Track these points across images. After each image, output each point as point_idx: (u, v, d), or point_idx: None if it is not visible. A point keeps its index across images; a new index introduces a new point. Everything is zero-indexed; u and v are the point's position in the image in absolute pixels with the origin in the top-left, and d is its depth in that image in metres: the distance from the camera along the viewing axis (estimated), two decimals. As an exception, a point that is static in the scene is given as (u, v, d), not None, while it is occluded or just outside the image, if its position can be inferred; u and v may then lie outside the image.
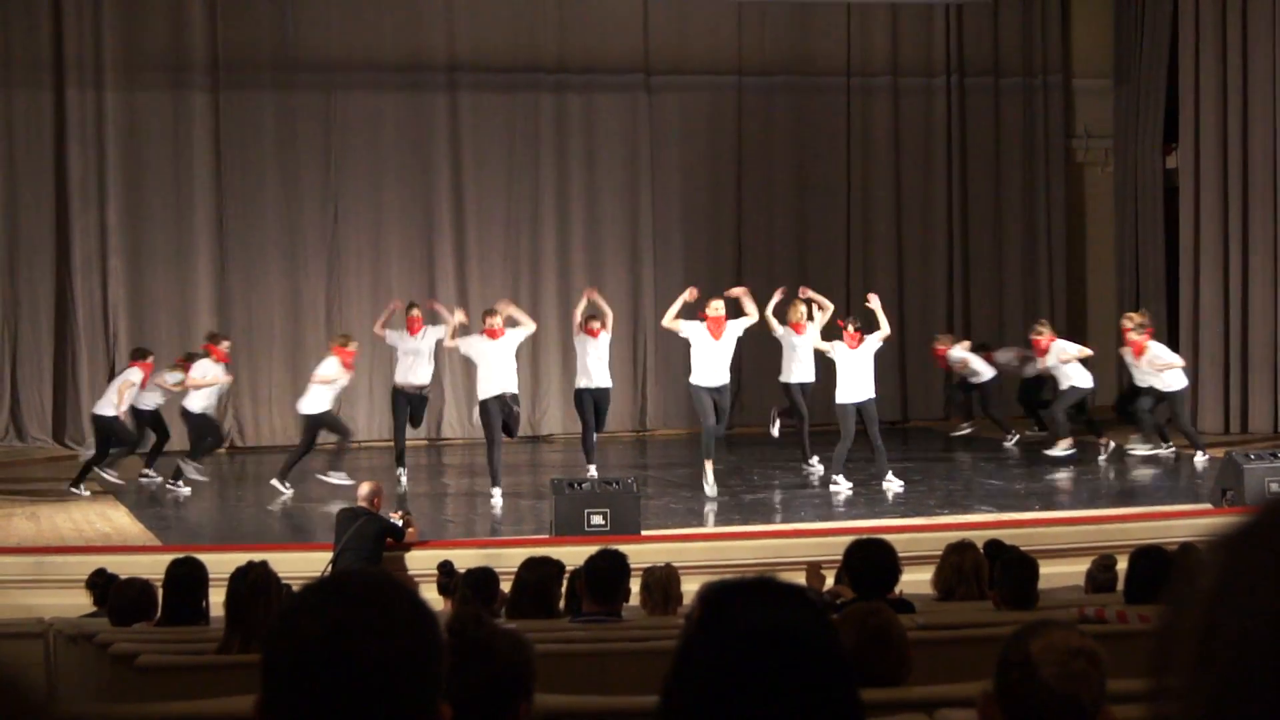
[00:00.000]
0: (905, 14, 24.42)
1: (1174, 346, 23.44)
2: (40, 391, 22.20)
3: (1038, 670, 3.63)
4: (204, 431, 18.90)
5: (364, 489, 13.76)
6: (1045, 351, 19.80)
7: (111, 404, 18.35)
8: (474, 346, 17.57)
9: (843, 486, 17.29)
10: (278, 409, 22.58)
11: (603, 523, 14.23)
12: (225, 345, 19.08)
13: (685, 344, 18.02)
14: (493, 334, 17.36)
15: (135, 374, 18.62)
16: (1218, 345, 22.38)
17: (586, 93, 23.80)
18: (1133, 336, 19.53)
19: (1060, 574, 11.92)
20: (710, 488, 17.03)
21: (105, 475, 18.20)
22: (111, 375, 22.05)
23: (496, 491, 17.14)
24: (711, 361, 17.45)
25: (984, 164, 25.00)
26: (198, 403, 18.65)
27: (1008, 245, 25.02)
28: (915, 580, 9.85)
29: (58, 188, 22.08)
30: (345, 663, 2.09)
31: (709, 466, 17.17)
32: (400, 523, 13.69)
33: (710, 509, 16.58)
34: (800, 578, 10.22)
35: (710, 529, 15.39)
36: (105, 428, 18.39)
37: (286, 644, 2.14)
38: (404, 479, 18.50)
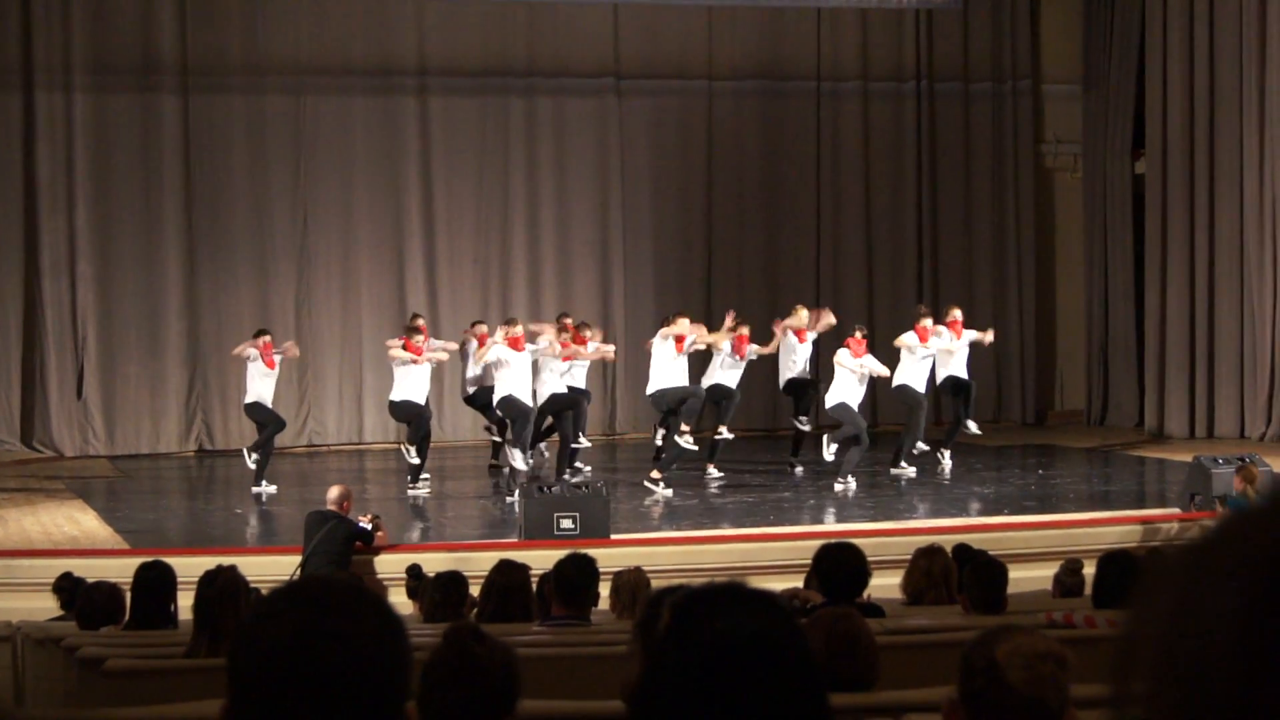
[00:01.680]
0: (875, 19, 24.47)
1: (1140, 350, 23.59)
2: (8, 395, 22.12)
3: (1004, 675, 3.63)
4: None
5: (333, 492, 13.71)
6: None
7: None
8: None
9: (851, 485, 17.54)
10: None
11: (572, 526, 14.22)
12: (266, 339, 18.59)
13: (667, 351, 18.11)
14: (515, 344, 17.39)
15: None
16: (1184, 350, 22.49)
17: (557, 97, 23.80)
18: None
19: (1028, 578, 11.93)
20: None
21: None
22: (80, 378, 22.05)
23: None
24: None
25: (953, 169, 25.06)
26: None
27: (977, 250, 25.09)
28: (884, 584, 9.86)
29: (26, 191, 22.00)
30: (310, 668, 2.09)
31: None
32: (370, 526, 13.67)
33: (677, 509, 16.60)
34: (768, 581, 10.23)
35: (679, 533, 15.38)
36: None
37: (252, 649, 2.13)
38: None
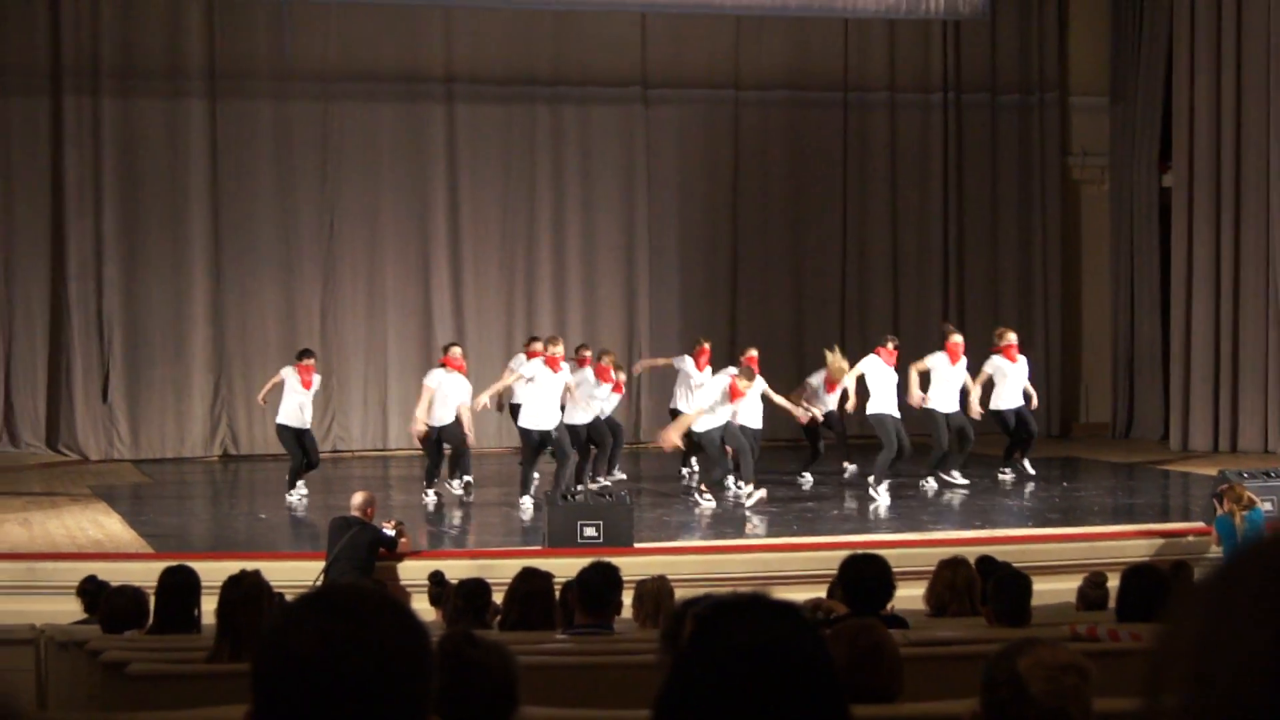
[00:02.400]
0: (903, 30, 24.44)
1: (1165, 363, 23.53)
2: (34, 398, 22.19)
3: (1027, 687, 3.62)
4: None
5: (357, 498, 13.73)
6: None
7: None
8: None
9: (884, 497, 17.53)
10: (271, 418, 22.53)
11: (596, 534, 14.21)
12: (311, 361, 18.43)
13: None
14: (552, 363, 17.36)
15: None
16: (1209, 363, 22.41)
17: (583, 105, 23.80)
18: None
19: (1051, 591, 11.91)
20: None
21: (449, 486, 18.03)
22: (106, 382, 22.10)
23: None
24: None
25: (980, 180, 25.02)
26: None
27: (1003, 262, 25.04)
28: (908, 596, 9.84)
29: (53, 194, 22.07)
30: (334, 675, 2.09)
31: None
32: (393, 533, 13.68)
33: (704, 520, 16.59)
34: (792, 592, 10.22)
35: (703, 542, 15.37)
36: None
37: (276, 656, 2.14)
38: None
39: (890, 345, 18.13)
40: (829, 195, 24.59)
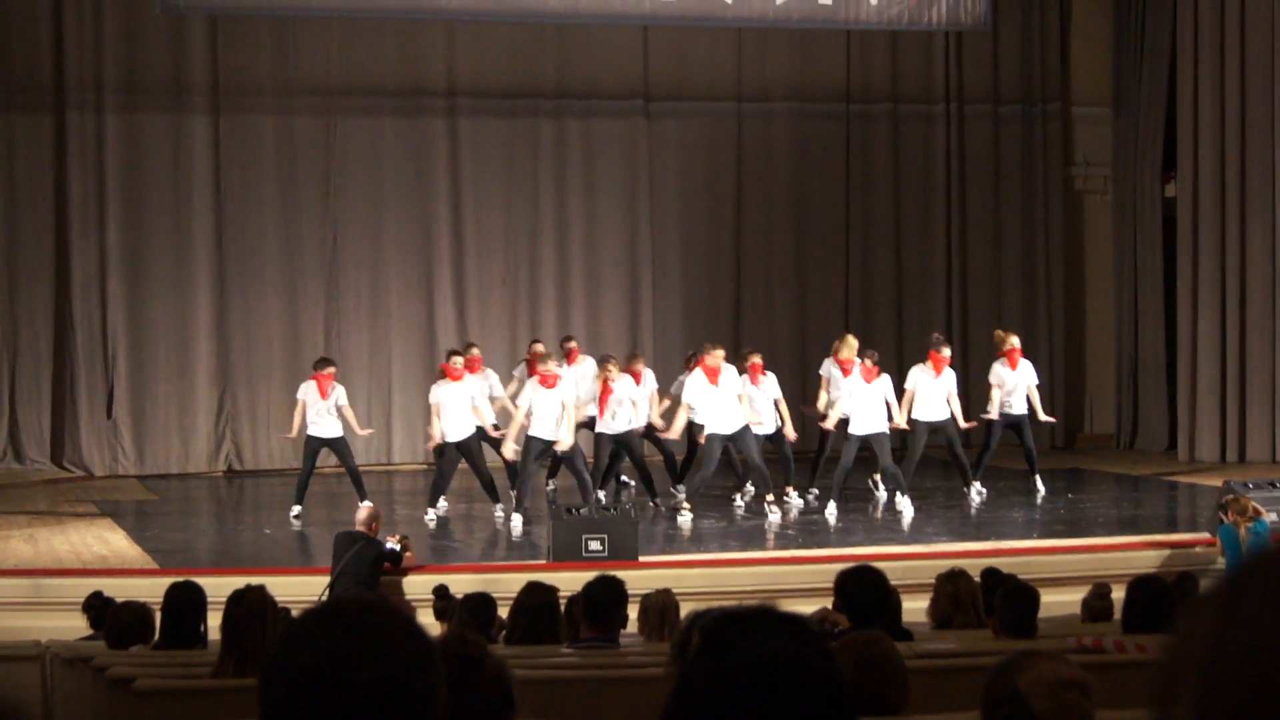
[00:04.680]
0: (905, 41, 24.45)
1: (1170, 373, 23.52)
2: (38, 414, 22.19)
3: (1028, 704, 3.60)
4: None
5: (362, 513, 13.74)
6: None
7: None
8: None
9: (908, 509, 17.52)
10: (276, 433, 22.58)
11: (600, 548, 14.21)
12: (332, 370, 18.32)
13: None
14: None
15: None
16: (1215, 374, 22.40)
17: (586, 119, 23.81)
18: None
19: (1056, 602, 11.90)
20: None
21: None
22: (110, 398, 22.11)
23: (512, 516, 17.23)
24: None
25: (983, 191, 25.02)
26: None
27: (1006, 273, 25.04)
28: (913, 609, 9.84)
29: (57, 210, 22.08)
30: (341, 689, 2.09)
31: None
32: (398, 547, 13.67)
33: (706, 532, 16.58)
34: (798, 604, 10.21)
35: (708, 555, 15.36)
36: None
37: (283, 671, 2.14)
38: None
39: (869, 362, 17.89)
40: (832, 207, 24.59)
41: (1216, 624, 1.37)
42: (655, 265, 24.06)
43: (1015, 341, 18.97)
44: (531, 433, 17.11)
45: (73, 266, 22.07)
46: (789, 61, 24.35)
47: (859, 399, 17.57)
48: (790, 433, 18.32)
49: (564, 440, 16.99)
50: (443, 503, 17.82)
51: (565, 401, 17.14)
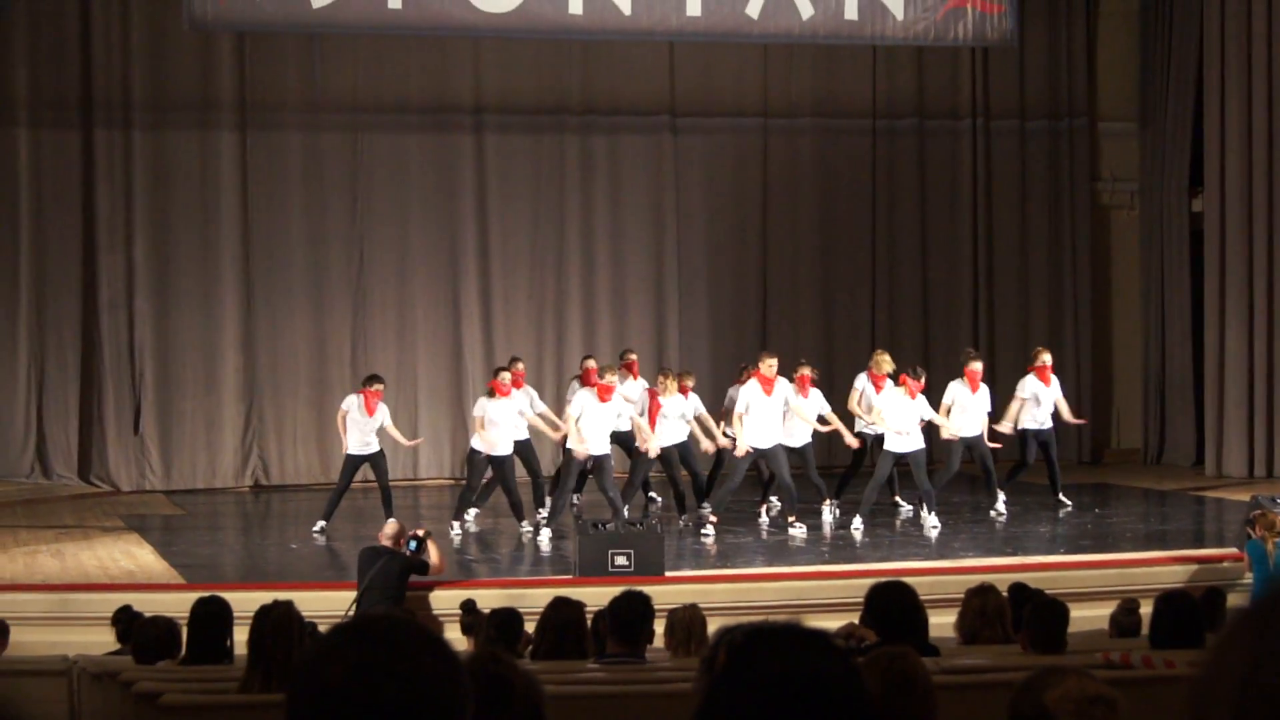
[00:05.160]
0: (931, 57, 24.44)
1: (1198, 388, 23.45)
2: (66, 430, 22.25)
3: (1055, 721, 3.58)
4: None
5: (389, 529, 13.72)
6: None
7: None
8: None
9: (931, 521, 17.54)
10: (302, 448, 22.65)
11: (627, 563, 14.21)
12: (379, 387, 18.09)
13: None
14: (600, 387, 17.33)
15: None
16: (1242, 389, 22.33)
17: (612, 135, 23.83)
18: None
19: (1083, 618, 11.86)
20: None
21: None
22: (138, 413, 22.15)
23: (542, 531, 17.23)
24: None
25: (1009, 207, 24.98)
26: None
27: (1033, 288, 24.99)
28: (939, 624, 9.81)
29: (85, 227, 22.15)
30: (369, 706, 2.09)
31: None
32: (421, 535, 13.46)
33: (733, 548, 16.56)
34: (824, 619, 10.20)
35: (735, 570, 15.35)
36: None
37: (310, 686, 2.14)
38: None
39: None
40: (858, 223, 24.56)
41: (1252, 641, 1.37)
42: (681, 281, 24.05)
43: (1047, 359, 18.97)
44: (571, 444, 17.12)
45: (100, 283, 22.14)
46: (815, 78, 24.35)
47: (900, 414, 17.55)
48: (851, 440, 18.35)
49: (650, 447, 17.29)
50: (471, 513, 17.84)
51: (623, 413, 17.24)
